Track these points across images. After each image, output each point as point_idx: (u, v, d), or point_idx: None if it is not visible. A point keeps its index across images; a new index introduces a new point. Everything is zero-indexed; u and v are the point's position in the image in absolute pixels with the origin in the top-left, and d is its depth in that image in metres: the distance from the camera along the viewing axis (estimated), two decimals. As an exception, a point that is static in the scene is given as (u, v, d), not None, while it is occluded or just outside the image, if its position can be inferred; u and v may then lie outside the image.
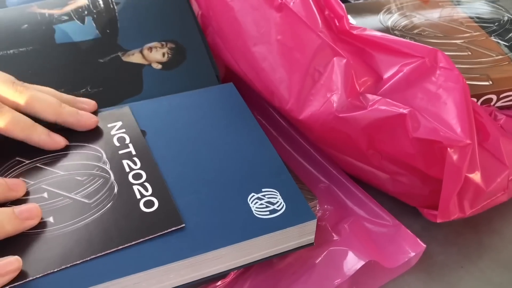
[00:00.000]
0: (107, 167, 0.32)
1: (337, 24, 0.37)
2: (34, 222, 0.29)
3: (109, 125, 0.35)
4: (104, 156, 0.33)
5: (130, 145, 0.34)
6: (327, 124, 0.34)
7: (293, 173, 0.37)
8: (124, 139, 0.34)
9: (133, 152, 0.33)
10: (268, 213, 0.30)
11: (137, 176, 0.32)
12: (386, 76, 0.35)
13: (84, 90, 0.40)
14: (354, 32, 0.37)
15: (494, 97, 0.40)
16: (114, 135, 0.35)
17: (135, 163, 0.33)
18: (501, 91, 0.40)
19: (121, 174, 0.32)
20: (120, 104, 0.39)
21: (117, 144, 0.34)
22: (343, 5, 0.38)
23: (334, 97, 0.34)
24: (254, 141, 0.35)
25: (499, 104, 0.41)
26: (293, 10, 0.37)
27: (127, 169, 0.32)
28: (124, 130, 0.35)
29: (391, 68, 0.35)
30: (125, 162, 0.33)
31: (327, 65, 0.35)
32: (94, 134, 0.35)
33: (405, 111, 0.31)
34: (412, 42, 0.35)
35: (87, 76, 0.40)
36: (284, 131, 0.43)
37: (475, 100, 0.40)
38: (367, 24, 0.45)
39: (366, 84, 0.35)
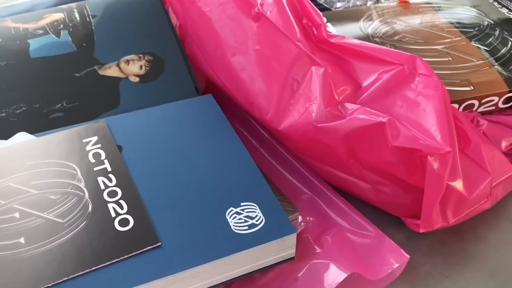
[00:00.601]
0: (82, 184, 0.31)
1: (315, 32, 0.37)
2: None
3: (85, 140, 0.35)
4: (79, 173, 0.32)
5: (106, 161, 0.33)
6: (306, 134, 0.34)
7: (273, 185, 0.36)
8: (100, 155, 0.34)
9: (109, 169, 0.32)
10: (246, 228, 0.29)
11: (112, 194, 0.31)
12: (365, 84, 0.35)
13: (59, 105, 0.39)
14: (332, 40, 0.36)
15: (476, 102, 0.40)
16: (90, 150, 0.34)
17: (110, 180, 0.32)
18: (482, 96, 0.40)
19: (96, 192, 0.31)
20: (97, 118, 0.38)
21: (93, 160, 0.33)
22: (321, 13, 0.37)
23: (312, 107, 0.33)
24: (233, 153, 0.34)
25: (481, 109, 0.41)
26: (270, 19, 0.36)
27: (102, 187, 0.31)
28: (99, 145, 0.34)
29: (370, 76, 0.35)
30: (100, 179, 0.32)
31: (305, 74, 0.34)
32: (69, 150, 0.34)
33: (384, 119, 0.31)
34: (391, 49, 0.35)
35: (63, 91, 0.40)
36: (266, 141, 0.42)
37: (457, 106, 0.40)
38: (347, 32, 0.45)
39: (345, 93, 0.35)
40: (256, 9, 0.37)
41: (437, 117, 0.31)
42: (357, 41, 0.36)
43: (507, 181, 0.35)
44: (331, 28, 0.45)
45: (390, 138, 0.30)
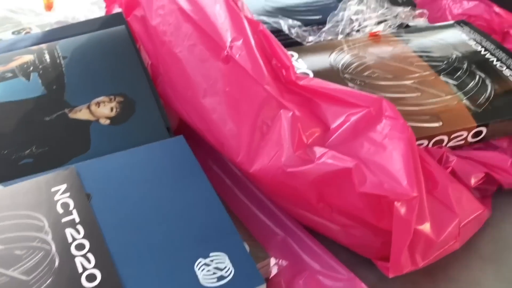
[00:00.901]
0: (49, 237, 0.31)
1: (284, 74, 0.37)
2: None
3: (53, 189, 0.34)
4: (46, 225, 0.32)
5: (74, 211, 0.33)
6: (276, 178, 0.34)
7: (245, 229, 0.36)
8: (68, 204, 0.33)
9: (77, 219, 0.32)
10: (215, 280, 0.29)
11: (80, 247, 0.30)
12: (333, 126, 0.35)
13: (29, 151, 0.38)
14: (300, 82, 0.37)
15: (445, 138, 0.41)
16: (58, 200, 0.33)
17: (78, 232, 0.31)
18: (451, 132, 0.40)
19: (63, 245, 0.30)
20: (67, 163, 0.38)
21: (61, 210, 0.33)
22: (289, 55, 0.38)
23: (282, 151, 0.34)
24: (202, 200, 0.34)
25: (451, 144, 0.41)
26: (239, 62, 0.36)
27: (70, 239, 0.31)
28: (68, 193, 0.34)
29: (338, 118, 0.35)
30: (68, 231, 0.31)
31: (274, 118, 0.35)
32: (36, 201, 0.33)
33: (350, 165, 0.31)
34: (358, 91, 0.35)
35: (32, 136, 0.39)
36: (239, 180, 0.42)
37: (426, 142, 0.40)
38: (319, 67, 0.45)
39: (314, 135, 0.35)
40: (225, 51, 0.37)
41: (403, 161, 0.31)
42: (325, 83, 0.36)
43: (476, 219, 0.35)
44: (302, 63, 0.45)
45: (356, 184, 0.31)
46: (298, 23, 0.53)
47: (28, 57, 0.43)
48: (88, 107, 0.41)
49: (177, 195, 0.34)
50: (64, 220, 0.32)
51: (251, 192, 0.41)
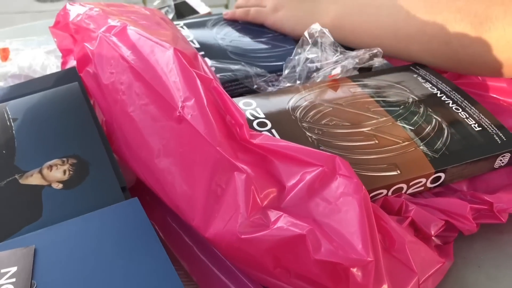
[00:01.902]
0: None
1: (238, 131, 0.37)
2: None
3: (2, 271, 0.32)
4: None
5: None
6: (232, 245, 0.33)
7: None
8: None
9: None
10: None
11: None
12: (289, 184, 0.35)
13: None
14: (254, 141, 0.36)
15: (404, 186, 0.41)
16: (1, 286, 0.31)
17: None
18: (409, 180, 0.40)
19: None
20: (18, 233, 0.36)
21: None
22: (243, 112, 0.37)
23: (237, 216, 0.33)
24: (155, 270, 0.33)
25: (410, 191, 0.41)
26: (191, 123, 0.36)
27: None
28: (14, 279, 0.32)
29: (293, 176, 0.35)
30: None
31: (228, 181, 0.34)
32: None
33: (304, 231, 0.30)
34: (311, 149, 0.35)
35: None
36: (199, 239, 0.41)
37: (385, 191, 0.40)
38: (277, 116, 0.45)
39: (269, 197, 0.34)
40: (177, 112, 0.37)
41: (358, 224, 0.31)
42: (278, 141, 0.36)
43: (436, 273, 0.35)
44: (260, 112, 0.45)
45: (311, 251, 0.30)
46: (262, 70, 0.53)
47: None
48: (40, 171, 0.40)
49: (129, 265, 0.33)
50: None
51: (211, 251, 0.40)
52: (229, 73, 0.54)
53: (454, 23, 0.47)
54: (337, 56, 0.49)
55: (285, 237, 0.31)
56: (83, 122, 0.43)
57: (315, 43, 0.51)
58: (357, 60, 0.49)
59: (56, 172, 0.40)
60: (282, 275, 0.33)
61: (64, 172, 0.40)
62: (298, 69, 0.51)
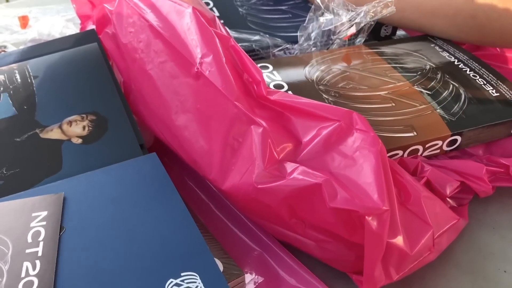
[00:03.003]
0: (6, 267, 0.30)
1: (256, 88, 0.37)
2: None
3: (34, 214, 0.33)
4: (10, 253, 0.31)
5: (41, 243, 0.32)
6: (248, 195, 0.33)
7: (220, 246, 0.35)
8: (39, 235, 0.32)
9: (39, 253, 0.31)
10: (186, 300, 0.29)
11: (28, 285, 0.29)
12: (305, 140, 0.35)
13: None
14: (271, 97, 0.36)
15: (420, 147, 0.41)
16: (32, 228, 0.32)
17: (34, 268, 0.30)
18: (426, 141, 0.40)
19: (14, 280, 0.29)
20: (39, 184, 0.37)
21: (30, 240, 0.32)
22: (260, 69, 0.38)
23: (252, 168, 0.33)
24: (174, 219, 0.33)
25: (426, 153, 0.41)
26: (209, 78, 0.36)
27: (23, 274, 0.29)
28: (45, 222, 0.33)
29: (309, 132, 0.35)
30: (25, 264, 0.30)
31: (245, 134, 0.34)
32: (13, 224, 0.32)
33: (320, 180, 0.31)
34: (328, 105, 0.35)
35: (2, 158, 0.38)
36: (215, 196, 0.42)
37: (401, 152, 0.40)
38: (294, 79, 0.45)
39: (286, 150, 0.35)
40: (195, 68, 0.37)
41: (374, 175, 0.31)
42: (295, 97, 0.36)
43: (451, 229, 0.35)
44: (277, 75, 0.45)
45: (327, 199, 0.30)
46: (280, 40, 0.53)
47: None
48: (60, 127, 0.40)
49: (149, 214, 0.34)
50: (28, 251, 0.31)
51: (227, 208, 0.40)
52: (247, 43, 0.54)
53: None
54: (350, 14, 0.49)
55: (301, 187, 0.31)
56: (102, 80, 0.43)
57: (327, 8, 0.50)
58: (371, 14, 0.48)
59: (76, 128, 0.41)
60: (298, 225, 0.33)
61: (84, 127, 0.41)
62: (313, 36, 0.51)
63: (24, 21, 0.60)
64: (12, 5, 0.66)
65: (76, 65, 0.44)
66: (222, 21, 0.57)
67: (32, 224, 0.33)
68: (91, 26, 0.54)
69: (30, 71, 0.44)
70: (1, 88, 0.42)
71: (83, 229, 0.33)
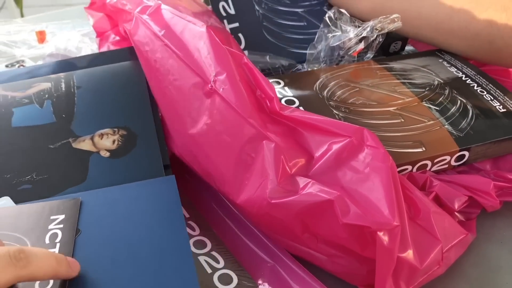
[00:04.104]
0: None
1: (269, 104, 0.38)
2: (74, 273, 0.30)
3: (52, 217, 0.34)
4: None
5: (58, 245, 0.33)
6: (262, 209, 0.34)
7: (233, 259, 0.36)
8: (57, 237, 0.33)
9: None
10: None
11: (43, 284, 0.30)
12: (317, 155, 0.36)
13: (29, 177, 0.39)
14: (284, 113, 0.37)
15: (429, 162, 0.41)
16: (50, 230, 0.34)
17: None
18: (434, 157, 0.41)
19: (29, 284, 0.30)
20: (62, 193, 0.38)
21: (47, 241, 0.33)
22: (273, 86, 0.39)
23: (266, 182, 0.34)
24: (173, 247, 0.33)
25: (434, 168, 0.42)
26: (222, 96, 0.37)
27: None
28: (62, 225, 0.34)
29: (321, 147, 0.36)
30: None
31: (258, 150, 0.35)
32: (32, 226, 0.34)
33: (333, 196, 0.32)
34: (339, 121, 0.36)
35: (35, 162, 0.40)
36: (230, 210, 0.42)
37: (410, 167, 0.41)
38: (305, 94, 0.46)
39: (298, 165, 0.36)
40: (209, 86, 0.38)
41: (385, 191, 0.32)
42: (307, 113, 0.37)
43: (459, 244, 0.36)
44: (288, 91, 0.47)
45: (340, 215, 0.31)
46: (290, 61, 0.54)
47: (46, 85, 0.45)
48: (92, 138, 0.42)
49: (151, 238, 0.34)
50: None
51: (241, 221, 0.41)
52: (259, 65, 0.54)
53: (500, 23, 0.47)
54: (357, 30, 0.50)
55: (314, 202, 0.32)
56: (138, 97, 0.44)
57: (335, 25, 0.51)
58: (377, 29, 0.49)
59: (106, 141, 0.42)
60: (310, 240, 0.34)
61: (113, 141, 0.42)
62: (322, 54, 0.52)
63: (41, 36, 0.62)
64: (29, 20, 0.68)
65: (117, 79, 0.46)
66: (237, 24, 0.56)
67: (51, 226, 0.34)
68: (108, 40, 0.56)
69: (75, 81, 0.45)
70: (46, 95, 0.44)
71: (96, 235, 0.34)
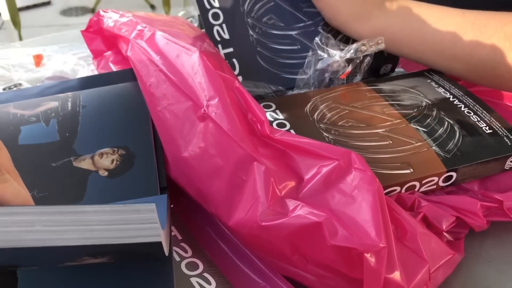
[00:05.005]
0: None
1: (259, 128, 0.39)
2: None
3: None
4: None
5: None
6: (252, 232, 0.35)
7: (225, 280, 0.37)
8: None
9: None
10: None
11: None
12: (306, 177, 0.37)
13: (31, 194, 0.40)
14: (275, 136, 0.38)
15: (417, 183, 0.42)
16: None
17: None
18: (422, 178, 0.42)
19: None
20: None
21: None
22: (264, 110, 0.40)
23: (257, 205, 0.35)
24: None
25: (422, 189, 0.43)
26: (215, 119, 0.38)
27: None
28: None
29: (311, 170, 0.37)
30: None
31: (249, 172, 0.36)
32: None
33: (321, 219, 0.32)
34: (328, 144, 0.37)
35: (37, 180, 0.41)
36: (222, 231, 0.43)
37: (399, 188, 0.42)
38: (296, 117, 0.47)
39: (288, 187, 0.37)
40: (202, 110, 0.39)
41: (372, 213, 0.33)
42: (297, 137, 0.38)
43: (447, 264, 0.37)
44: (280, 114, 0.48)
45: (327, 237, 0.32)
46: (279, 89, 0.55)
47: (54, 104, 0.46)
48: (92, 157, 0.43)
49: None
50: None
51: (232, 242, 0.42)
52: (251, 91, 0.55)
53: (503, 51, 0.48)
54: (342, 52, 0.51)
55: (303, 225, 0.33)
56: (140, 118, 0.45)
57: (322, 50, 0.52)
58: (361, 50, 0.50)
59: (105, 160, 0.42)
60: (300, 261, 0.35)
61: (112, 161, 0.42)
62: (311, 79, 0.53)
63: (38, 60, 0.63)
64: (27, 44, 0.69)
65: (120, 99, 0.47)
66: (231, 49, 0.56)
67: None
68: (105, 60, 0.57)
69: (81, 100, 0.46)
70: (53, 114, 0.45)
71: None
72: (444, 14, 0.52)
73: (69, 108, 0.45)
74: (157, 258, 0.34)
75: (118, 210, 0.27)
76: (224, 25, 0.57)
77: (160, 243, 0.28)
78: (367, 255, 0.31)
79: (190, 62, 0.42)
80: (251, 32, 0.57)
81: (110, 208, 0.27)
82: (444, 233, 0.40)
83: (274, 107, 0.49)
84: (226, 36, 0.57)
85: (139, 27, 0.49)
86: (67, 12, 2.66)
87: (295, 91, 0.53)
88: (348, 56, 0.50)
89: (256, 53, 0.57)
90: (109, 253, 0.30)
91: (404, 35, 0.53)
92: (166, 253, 0.30)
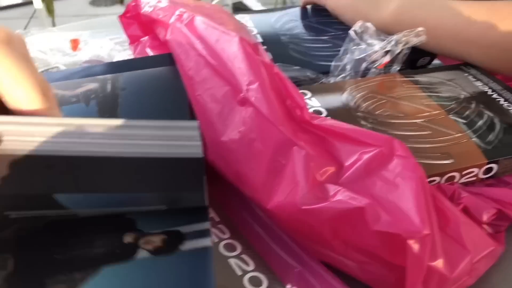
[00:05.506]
0: None
1: (299, 113, 0.39)
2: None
3: None
4: None
5: None
6: (292, 215, 0.35)
7: (263, 263, 0.37)
8: None
9: None
10: None
11: None
12: (346, 164, 0.37)
13: None
14: (314, 122, 0.38)
15: (457, 174, 0.42)
16: None
17: None
18: (463, 169, 0.42)
19: None
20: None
21: None
22: (302, 95, 0.40)
23: (296, 189, 0.35)
24: None
25: (462, 180, 0.42)
26: (254, 104, 0.38)
27: None
28: None
29: (351, 156, 0.37)
30: None
31: (288, 157, 0.36)
32: None
33: (364, 204, 0.32)
34: (369, 131, 0.37)
35: None
36: (258, 215, 0.43)
37: (438, 178, 0.41)
38: (332, 105, 0.47)
39: (328, 173, 0.36)
40: (242, 94, 0.39)
41: (415, 200, 0.32)
42: (337, 123, 0.38)
43: (489, 255, 0.36)
44: (315, 102, 0.47)
45: (370, 222, 0.32)
46: (314, 73, 0.55)
47: (93, 85, 0.47)
48: None
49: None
50: None
51: (268, 227, 0.42)
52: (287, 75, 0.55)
53: None
54: (382, 43, 0.50)
55: (344, 209, 0.33)
56: (179, 101, 0.45)
57: (361, 38, 0.52)
58: (402, 42, 0.50)
59: None
60: (340, 246, 0.35)
61: None
62: (348, 67, 0.53)
63: (75, 44, 0.64)
64: (64, 29, 0.70)
65: (159, 83, 0.47)
66: (264, 47, 0.59)
67: None
68: (142, 45, 0.57)
69: (121, 82, 0.47)
70: (93, 95, 0.45)
71: None
72: None
73: (109, 90, 0.46)
74: (197, 206, 0.32)
75: (163, 126, 0.27)
76: (257, 35, 0.62)
77: (202, 160, 0.27)
78: (411, 242, 0.31)
79: (230, 47, 0.42)
80: (282, 38, 0.61)
81: (155, 124, 0.27)
82: (484, 225, 0.40)
83: (309, 94, 0.49)
84: (260, 39, 0.61)
85: (177, 12, 0.49)
86: (96, 2, 2.69)
87: (330, 78, 0.53)
88: (388, 47, 0.49)
89: (288, 49, 0.60)
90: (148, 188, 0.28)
91: (422, 21, 0.53)
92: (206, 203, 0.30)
